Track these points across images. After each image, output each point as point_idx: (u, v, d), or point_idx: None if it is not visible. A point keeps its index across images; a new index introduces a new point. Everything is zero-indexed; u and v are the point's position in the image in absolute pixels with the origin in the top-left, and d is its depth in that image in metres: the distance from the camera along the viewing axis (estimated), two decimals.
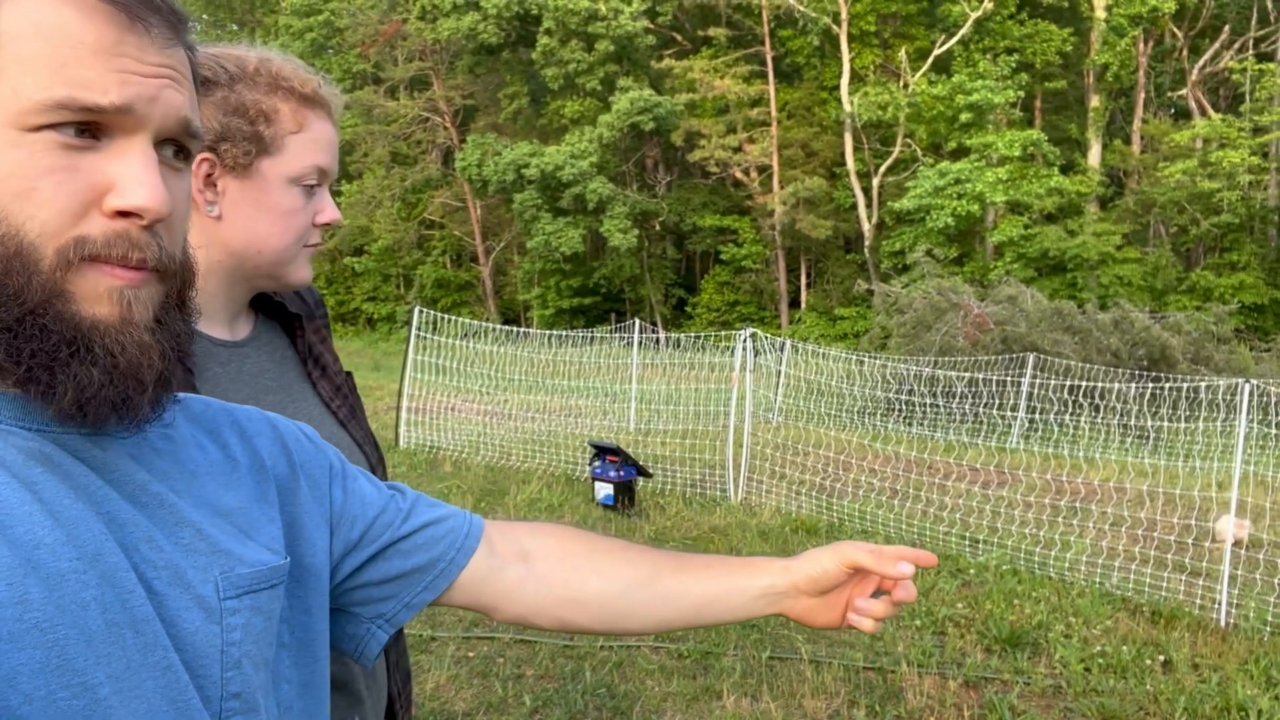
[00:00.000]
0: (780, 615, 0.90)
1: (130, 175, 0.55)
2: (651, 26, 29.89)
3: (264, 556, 0.67)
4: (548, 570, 0.87)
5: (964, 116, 24.83)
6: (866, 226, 27.86)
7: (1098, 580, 5.31)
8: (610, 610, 0.88)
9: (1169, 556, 5.63)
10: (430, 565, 0.82)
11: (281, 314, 1.22)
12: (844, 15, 27.65)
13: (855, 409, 11.62)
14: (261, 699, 0.64)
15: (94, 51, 0.54)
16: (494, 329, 11.97)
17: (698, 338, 12.99)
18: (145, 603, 0.56)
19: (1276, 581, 5.08)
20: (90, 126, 0.54)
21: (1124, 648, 4.28)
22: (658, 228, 30.89)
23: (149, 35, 0.56)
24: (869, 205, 28.00)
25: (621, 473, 6.64)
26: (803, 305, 29.74)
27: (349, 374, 1.31)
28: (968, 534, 6.17)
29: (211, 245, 1.07)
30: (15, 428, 0.56)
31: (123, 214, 0.55)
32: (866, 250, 27.91)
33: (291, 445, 0.76)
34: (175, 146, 0.60)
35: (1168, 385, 9.75)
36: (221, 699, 0.60)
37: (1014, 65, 25.41)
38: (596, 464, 6.77)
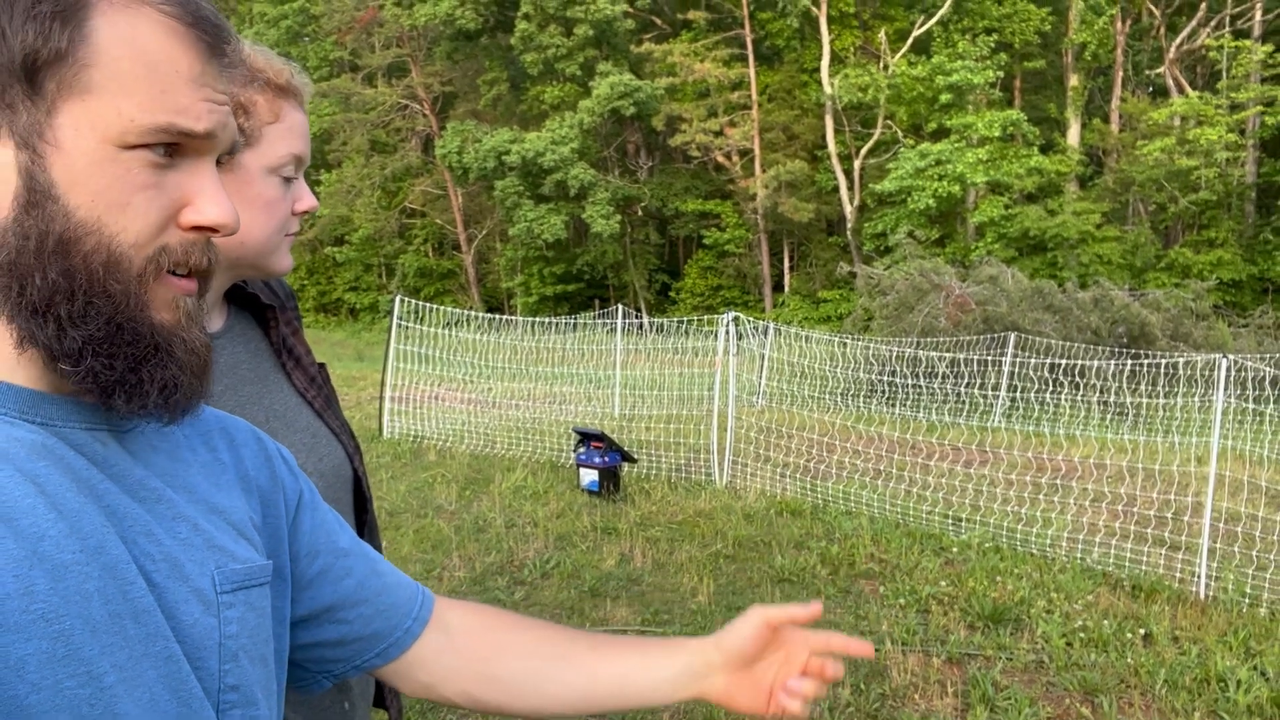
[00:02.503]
0: (702, 699, 0.88)
1: (208, 195, 0.60)
2: (630, 10, 29.71)
3: (253, 555, 0.68)
4: (466, 643, 0.87)
5: (944, 97, 24.85)
6: (848, 209, 27.89)
7: (1079, 556, 5.37)
8: (521, 689, 0.87)
9: (1149, 531, 5.70)
10: (387, 633, 0.83)
11: (254, 305, 1.23)
12: None
13: (839, 391, 11.67)
14: (261, 694, 0.66)
15: (188, 80, 0.58)
16: (476, 317, 11.92)
17: (681, 322, 12.99)
18: (146, 594, 0.57)
19: (1255, 554, 5.15)
20: (171, 147, 0.58)
21: (1105, 622, 4.33)
22: (640, 213, 30.82)
23: (219, 65, 0.61)
24: (850, 187, 28.03)
25: (606, 458, 6.65)
26: (786, 289, 29.79)
27: (322, 365, 1.32)
28: (950, 512, 6.22)
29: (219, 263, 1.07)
30: (19, 420, 0.57)
31: (198, 228, 0.60)
32: (849, 233, 27.96)
33: (274, 462, 0.78)
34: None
35: (1147, 362, 9.84)
36: (219, 691, 0.62)
37: (993, 45, 25.45)
38: (581, 450, 6.77)
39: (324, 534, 0.80)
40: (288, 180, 1.11)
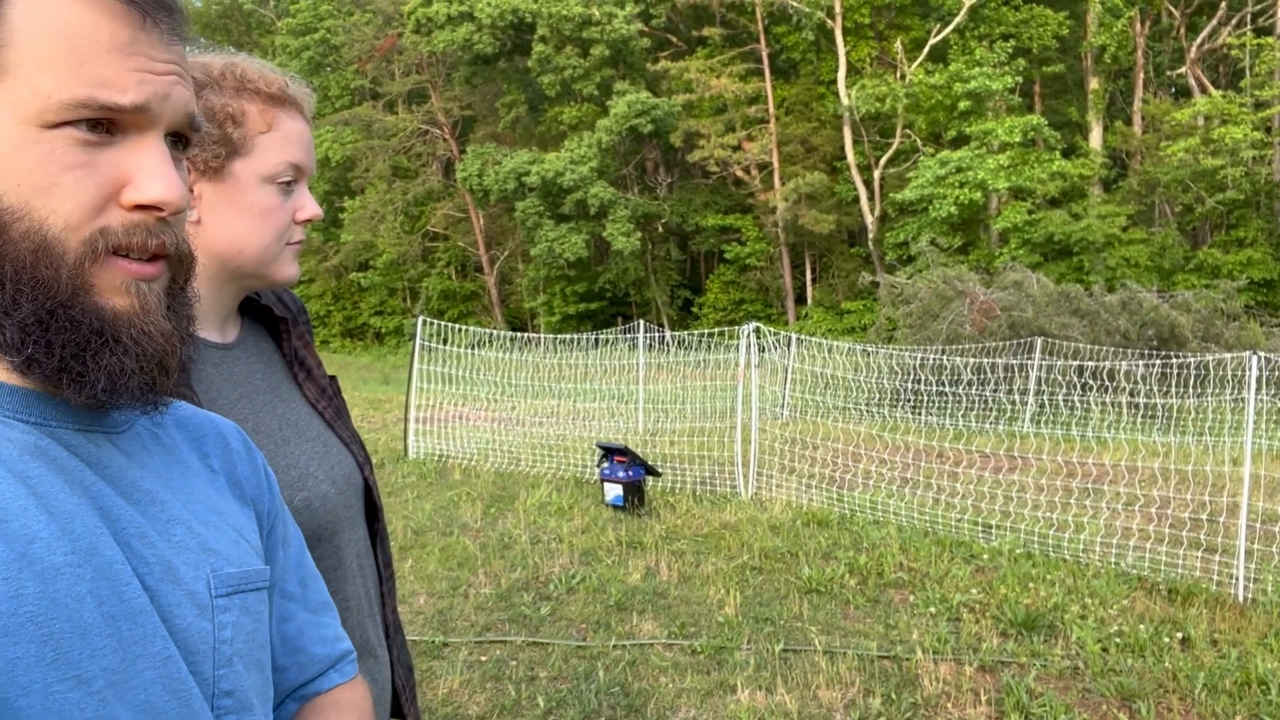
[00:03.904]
0: None
1: (148, 170, 0.57)
2: (646, 29, 29.92)
3: (250, 558, 0.67)
4: None
5: (963, 104, 24.74)
6: (869, 219, 27.79)
7: (1113, 560, 5.27)
8: None
9: (1184, 534, 5.59)
10: (311, 680, 0.79)
11: (267, 318, 1.24)
12: (838, 9, 27.61)
13: (864, 400, 11.59)
14: (257, 701, 0.64)
15: (110, 50, 0.55)
16: (499, 336, 11.98)
17: (704, 336, 12.97)
18: (141, 594, 0.56)
19: None
20: (105, 122, 0.56)
21: (1141, 626, 4.25)
22: (660, 230, 30.89)
23: (158, 32, 0.58)
24: (871, 198, 27.93)
25: (630, 473, 6.63)
26: (809, 301, 29.69)
27: (333, 377, 1.33)
28: (980, 519, 6.13)
29: (194, 250, 1.08)
30: (12, 420, 0.57)
31: (141, 207, 0.57)
32: (870, 243, 27.84)
33: (260, 474, 0.77)
34: (176, 137, 0.61)
35: (1176, 362, 9.69)
36: (214, 696, 0.60)
37: (1010, 51, 25.32)
38: (605, 465, 6.76)
39: (279, 570, 0.77)
40: (286, 189, 1.12)
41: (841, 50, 27.98)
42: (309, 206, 1.15)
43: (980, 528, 6.00)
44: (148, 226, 0.58)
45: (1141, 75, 27.82)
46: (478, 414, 11.10)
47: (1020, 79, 25.47)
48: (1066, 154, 26.04)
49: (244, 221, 1.09)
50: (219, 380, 1.10)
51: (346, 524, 1.19)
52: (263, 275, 1.13)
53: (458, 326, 10.97)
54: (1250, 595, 4.66)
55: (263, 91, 1.09)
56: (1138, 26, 26.90)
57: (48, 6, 0.54)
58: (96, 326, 0.56)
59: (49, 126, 0.54)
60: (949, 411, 10.82)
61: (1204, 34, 26.79)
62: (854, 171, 28.02)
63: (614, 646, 4.16)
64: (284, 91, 1.11)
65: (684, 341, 13.10)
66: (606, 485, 6.72)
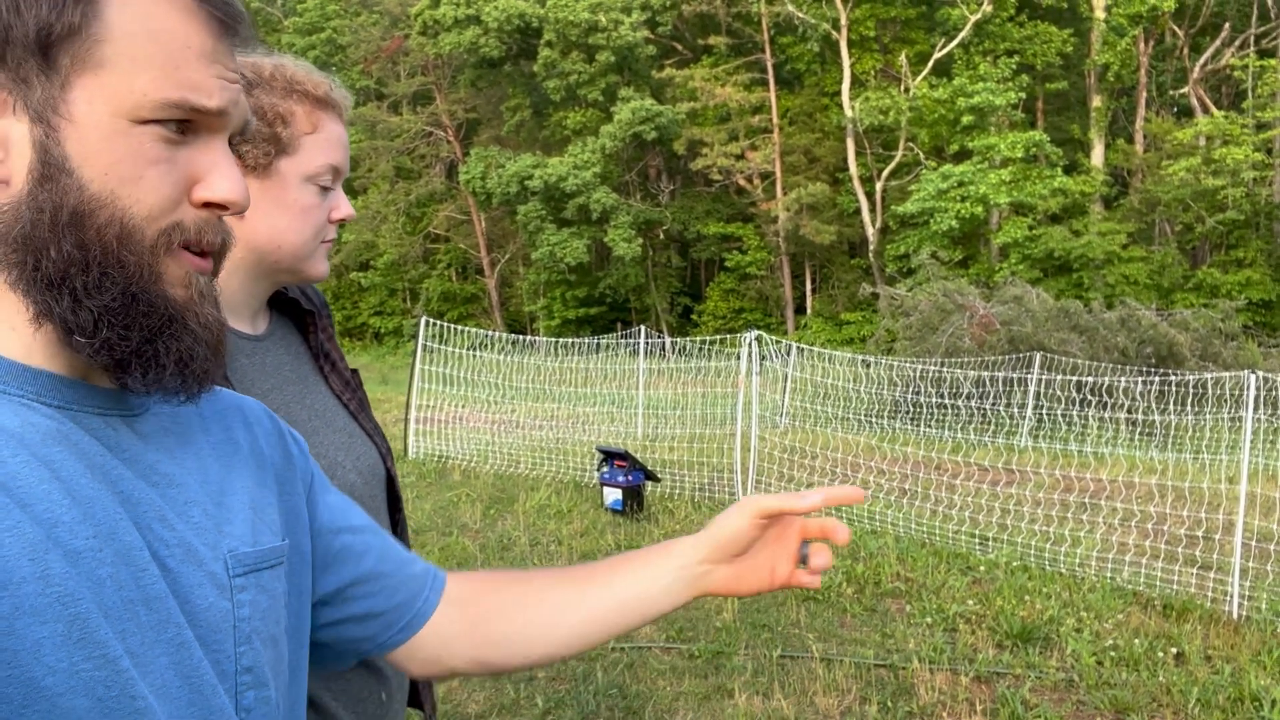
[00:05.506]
0: (706, 594, 0.87)
1: (220, 171, 0.61)
2: (652, 36, 30.03)
3: (266, 536, 0.69)
4: (475, 611, 0.87)
5: (966, 119, 24.83)
6: (870, 231, 27.87)
7: (1109, 575, 5.30)
8: (539, 643, 0.87)
9: (1180, 550, 5.62)
10: (409, 604, 0.83)
11: (294, 311, 1.27)
12: (843, 21, 27.73)
13: (863, 410, 11.62)
14: (271, 675, 0.66)
15: (200, 56, 0.59)
16: (500, 338, 12.00)
17: (704, 343, 13.00)
18: (159, 580, 0.57)
19: None
20: (185, 123, 0.59)
21: (1136, 641, 4.28)
22: (662, 236, 30.95)
23: (232, 42, 0.62)
24: (872, 210, 28.01)
25: (630, 477, 6.66)
26: (808, 311, 29.74)
27: (355, 370, 1.36)
28: (977, 532, 6.17)
29: (235, 243, 1.11)
30: (36, 403, 0.58)
31: (210, 204, 0.61)
32: (871, 254, 27.91)
33: (287, 440, 0.79)
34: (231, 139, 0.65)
35: (1175, 379, 9.73)
36: (236, 673, 0.62)
37: (1014, 67, 25.43)
38: (605, 469, 6.79)
39: (340, 512, 0.81)
40: (325, 189, 1.15)
41: (846, 62, 28.09)
42: (343, 206, 1.18)
43: (977, 540, 6.03)
44: (214, 223, 0.62)
45: (1144, 94, 27.95)
46: (477, 416, 11.12)
47: (1023, 95, 25.58)
48: (1068, 170, 26.14)
49: (285, 218, 1.12)
50: (252, 371, 1.13)
51: (371, 514, 1.22)
52: (296, 270, 1.16)
53: (458, 328, 10.99)
54: (1244, 612, 4.69)
55: (310, 94, 1.12)
56: (1141, 45, 27.03)
57: (145, 10, 0.57)
58: (168, 313, 0.59)
59: (139, 122, 0.57)
60: (948, 424, 10.85)
61: (1207, 54, 26.93)
62: (856, 183, 28.11)
63: (612, 649, 4.18)
64: (329, 95, 1.14)
65: (684, 348, 13.13)
66: (606, 489, 6.75)
